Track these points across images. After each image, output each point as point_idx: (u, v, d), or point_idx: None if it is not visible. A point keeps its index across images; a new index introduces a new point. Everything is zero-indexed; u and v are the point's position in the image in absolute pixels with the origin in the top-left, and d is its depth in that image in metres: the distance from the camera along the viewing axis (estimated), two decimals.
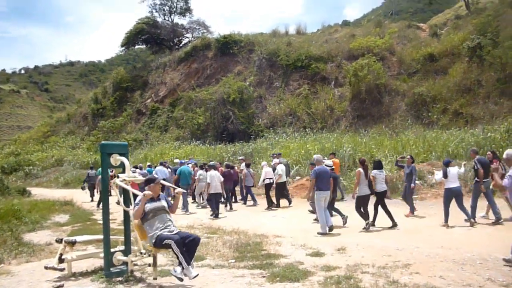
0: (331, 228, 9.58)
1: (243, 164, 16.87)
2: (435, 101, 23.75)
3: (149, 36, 44.56)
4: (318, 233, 9.38)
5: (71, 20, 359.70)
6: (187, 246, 5.34)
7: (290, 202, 15.26)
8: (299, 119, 27.61)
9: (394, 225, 10.00)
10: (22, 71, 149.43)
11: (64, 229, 10.65)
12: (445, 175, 10.16)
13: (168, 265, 6.30)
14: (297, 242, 7.85)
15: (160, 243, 5.35)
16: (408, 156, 12.10)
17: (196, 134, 30.15)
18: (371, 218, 10.07)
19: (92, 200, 19.61)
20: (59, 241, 5.93)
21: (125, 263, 5.53)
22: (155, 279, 5.48)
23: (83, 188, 22.70)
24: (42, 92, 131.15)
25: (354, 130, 24.40)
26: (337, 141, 21.45)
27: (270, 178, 14.93)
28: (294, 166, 20.09)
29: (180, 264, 5.22)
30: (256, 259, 6.50)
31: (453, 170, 10.19)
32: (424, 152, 18.00)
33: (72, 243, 5.70)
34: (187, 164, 17.70)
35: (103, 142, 5.58)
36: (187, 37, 46.40)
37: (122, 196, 5.57)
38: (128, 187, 5.49)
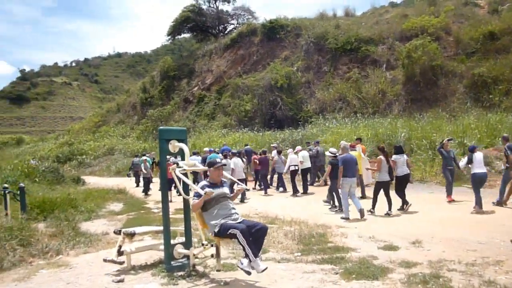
0: (361, 212, 9.73)
1: (274, 151, 17.13)
2: (497, 83, 22.20)
3: (194, 24, 44.54)
4: (342, 218, 9.74)
5: (117, 13, 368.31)
6: (254, 236, 4.82)
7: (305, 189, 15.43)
8: (349, 104, 26.72)
9: (401, 208, 10.57)
10: (73, 64, 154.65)
11: (119, 218, 10.56)
12: (470, 161, 10.46)
13: (230, 258, 5.91)
14: (364, 234, 7.26)
15: (224, 233, 4.90)
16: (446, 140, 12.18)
17: (244, 121, 29.87)
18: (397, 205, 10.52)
19: (137, 186, 20.31)
20: (118, 232, 5.66)
21: (187, 257, 5.19)
22: (218, 270, 5.05)
23: (128, 175, 23.89)
24: (92, 84, 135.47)
25: (408, 115, 23.30)
26: (391, 126, 20.52)
27: (295, 165, 15.20)
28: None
29: (246, 256, 4.74)
30: (324, 252, 5.98)
31: (478, 156, 10.43)
32: (488, 136, 16.86)
33: (131, 235, 5.40)
34: (217, 152, 17.44)
35: (161, 127, 5.25)
36: (232, 24, 46.18)
37: (181, 184, 5.22)
38: (186, 179, 5.12)
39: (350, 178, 10.04)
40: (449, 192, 11.50)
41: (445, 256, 5.62)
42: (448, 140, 12.49)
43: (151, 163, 19.69)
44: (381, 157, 10.54)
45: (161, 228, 5.37)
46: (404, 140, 18.72)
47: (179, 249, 5.17)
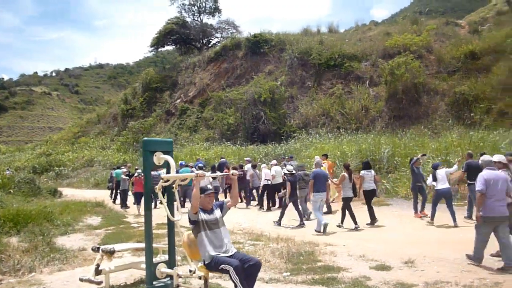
0: (325, 227, 10.05)
1: (249, 165, 17.55)
2: (478, 101, 22.48)
3: (178, 37, 44.40)
4: (316, 230, 10.16)
5: (100, 24, 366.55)
6: (247, 272, 4.53)
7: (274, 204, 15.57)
8: (332, 120, 26.68)
9: (372, 223, 10.93)
10: (53, 74, 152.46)
11: (97, 232, 10.13)
12: (434, 178, 10.96)
13: (215, 277, 5.61)
14: (354, 252, 7.04)
15: (215, 266, 4.58)
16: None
17: (226, 134, 29.61)
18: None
19: (114, 202, 19.82)
20: (96, 249, 5.25)
21: (170, 276, 4.86)
22: None
23: (109, 188, 23.04)
24: (73, 94, 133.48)
25: (390, 131, 23.33)
26: (374, 142, 20.49)
27: (267, 180, 15.49)
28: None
29: None
30: (314, 272, 5.74)
31: (441, 173, 10.92)
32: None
33: (111, 253, 5.03)
34: (189, 166, 17.13)
35: (145, 138, 4.91)
36: (216, 37, 46.21)
37: (165, 198, 4.92)
38: (174, 191, 4.84)
39: (320, 192, 10.60)
40: (416, 209, 11.87)
41: (441, 277, 5.42)
42: (422, 155, 13.04)
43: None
44: (345, 173, 11.04)
45: (143, 245, 5.04)
46: (388, 156, 18.72)
47: (162, 268, 4.84)
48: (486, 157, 6.93)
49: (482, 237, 6.24)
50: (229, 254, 4.70)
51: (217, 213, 5.02)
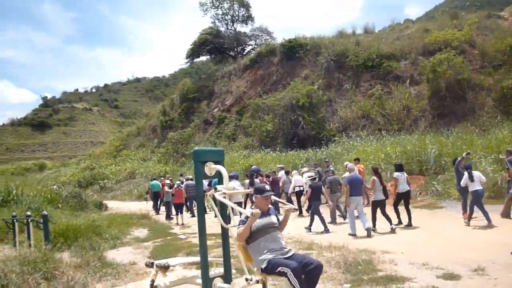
0: (368, 231, 10.23)
1: (282, 171, 17.62)
2: None
3: (212, 46, 44.69)
4: (349, 234, 10.39)
5: (134, 39, 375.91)
6: (307, 276, 4.25)
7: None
8: (373, 122, 26.05)
9: (398, 223, 11.22)
10: (93, 90, 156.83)
11: (145, 245, 10.09)
12: (471, 179, 10.62)
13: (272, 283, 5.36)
14: (415, 259, 6.62)
15: (273, 270, 4.31)
16: None
17: (265, 141, 29.43)
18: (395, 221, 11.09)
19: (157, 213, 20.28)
20: (150, 265, 5.09)
21: None
22: None
23: (146, 199, 24.34)
24: (112, 109, 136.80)
25: (435, 130, 22.53)
26: (419, 142, 19.80)
27: (300, 186, 15.59)
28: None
29: None
30: (377, 283, 5.38)
31: (476, 174, 10.79)
32: None
33: (165, 268, 4.87)
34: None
35: (196, 148, 4.72)
36: (250, 45, 46.18)
37: (219, 209, 4.71)
38: (228, 202, 4.63)
39: (356, 196, 10.80)
40: (465, 210, 11.41)
41: None
42: (467, 154, 12.78)
43: (161, 187, 21.08)
44: (374, 177, 11.23)
45: (197, 258, 4.85)
46: (434, 157, 18.05)
47: (219, 284, 4.63)
48: None
49: None
50: (287, 256, 4.48)
51: (273, 218, 4.77)
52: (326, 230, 11.23)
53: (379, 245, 8.17)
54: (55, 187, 26.95)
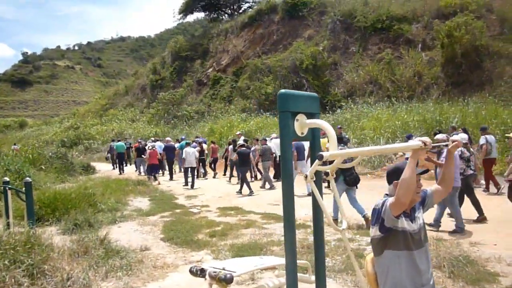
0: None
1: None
2: None
3: (207, 2, 41.91)
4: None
5: None
6: None
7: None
8: (381, 88, 24.39)
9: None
10: (76, 48, 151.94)
11: (152, 220, 8.34)
12: None
13: None
14: None
15: None
16: None
17: (264, 104, 27.58)
18: None
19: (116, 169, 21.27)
20: (198, 273, 3.20)
21: None
22: None
23: (107, 159, 24.55)
24: (95, 68, 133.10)
25: (448, 99, 21.04)
26: (440, 111, 18.27)
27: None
28: (390, 141, 17.19)
29: None
30: None
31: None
32: None
33: (227, 281, 3.04)
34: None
35: (282, 91, 2.88)
36: (248, 2, 43.42)
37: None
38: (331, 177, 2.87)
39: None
40: None
41: None
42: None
43: (125, 148, 22.60)
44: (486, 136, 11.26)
45: (273, 261, 3.14)
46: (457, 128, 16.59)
47: None
48: None
49: None
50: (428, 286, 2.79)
51: (420, 215, 2.91)
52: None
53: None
54: (15, 146, 24.54)
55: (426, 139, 2.57)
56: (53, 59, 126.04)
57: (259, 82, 28.60)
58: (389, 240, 2.76)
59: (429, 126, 17.08)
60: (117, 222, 7.92)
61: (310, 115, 2.97)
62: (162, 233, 7.08)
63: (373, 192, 10.06)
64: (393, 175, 2.87)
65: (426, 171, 3.52)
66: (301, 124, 2.87)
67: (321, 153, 2.62)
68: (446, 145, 2.65)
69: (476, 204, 7.55)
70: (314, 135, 3.00)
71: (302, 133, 2.91)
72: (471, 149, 8.97)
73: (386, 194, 2.92)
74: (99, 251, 5.23)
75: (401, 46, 25.58)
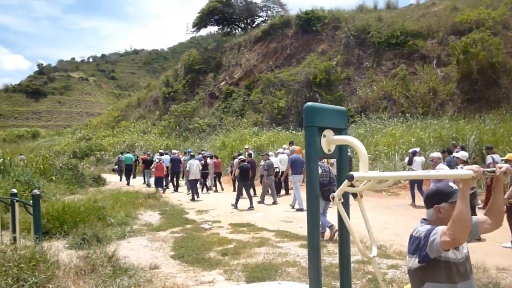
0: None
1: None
2: None
3: (221, 16, 42.09)
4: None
5: (134, 11, 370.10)
6: None
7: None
8: (395, 103, 24.09)
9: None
10: (90, 60, 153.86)
11: (162, 236, 8.09)
12: (410, 163, 12.43)
13: None
14: None
15: None
16: None
17: (277, 119, 27.40)
18: None
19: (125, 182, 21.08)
20: None
21: None
22: None
23: (114, 171, 24.84)
24: (109, 80, 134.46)
25: (464, 116, 20.68)
26: (457, 128, 17.91)
27: (276, 168, 15.35)
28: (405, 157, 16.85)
29: None
30: None
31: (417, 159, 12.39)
32: None
33: None
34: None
35: (309, 104, 2.68)
36: (261, 16, 43.51)
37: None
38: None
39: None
40: None
41: None
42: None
43: (133, 160, 23.42)
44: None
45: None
46: (474, 145, 16.25)
47: None
48: None
49: None
50: None
51: (465, 244, 2.62)
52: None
53: (484, 257, 6.16)
54: (22, 156, 24.61)
55: (476, 167, 2.31)
56: (67, 70, 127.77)
57: (272, 96, 28.46)
58: (429, 271, 2.49)
59: (445, 143, 16.69)
60: (126, 237, 7.69)
61: (337, 131, 2.74)
62: (172, 250, 6.82)
63: (389, 211, 9.75)
64: (434, 199, 2.61)
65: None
66: (329, 141, 2.65)
67: (351, 173, 2.39)
68: (494, 172, 2.36)
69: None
70: (342, 152, 2.78)
71: (329, 150, 2.69)
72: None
73: (424, 219, 2.65)
74: (106, 269, 4.99)
75: (416, 62, 25.35)
